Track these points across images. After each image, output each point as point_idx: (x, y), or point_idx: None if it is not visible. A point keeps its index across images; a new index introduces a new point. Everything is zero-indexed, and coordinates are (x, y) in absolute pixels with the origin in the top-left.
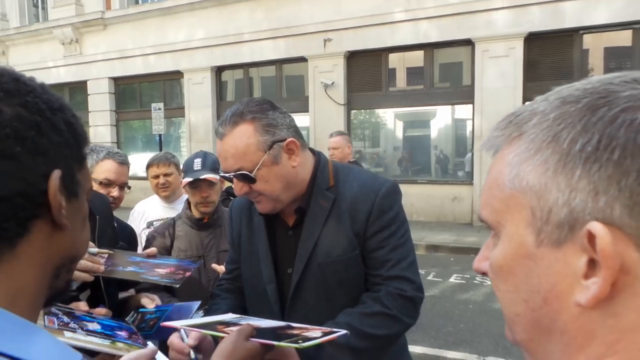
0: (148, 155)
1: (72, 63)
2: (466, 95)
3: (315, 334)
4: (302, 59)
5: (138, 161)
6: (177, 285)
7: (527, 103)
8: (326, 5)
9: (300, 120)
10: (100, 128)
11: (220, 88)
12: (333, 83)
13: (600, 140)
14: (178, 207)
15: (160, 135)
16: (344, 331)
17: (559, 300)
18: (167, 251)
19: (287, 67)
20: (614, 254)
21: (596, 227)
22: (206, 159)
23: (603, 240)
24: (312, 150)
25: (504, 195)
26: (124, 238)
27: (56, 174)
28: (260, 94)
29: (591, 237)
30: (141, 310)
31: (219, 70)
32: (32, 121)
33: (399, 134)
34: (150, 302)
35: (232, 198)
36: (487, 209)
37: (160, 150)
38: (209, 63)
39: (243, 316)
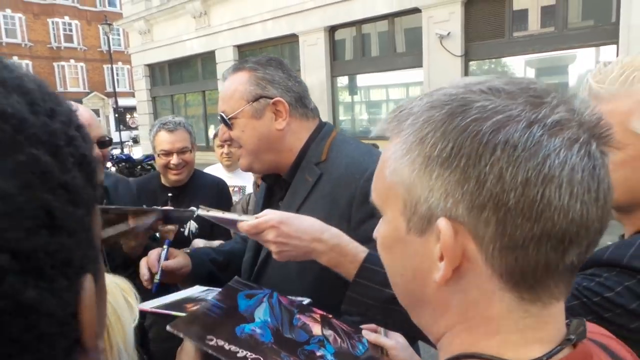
0: None
1: (202, 35)
2: (610, 34)
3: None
4: (416, 10)
5: None
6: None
7: (413, 98)
8: None
9: (414, 75)
10: None
11: (334, 48)
12: (449, 33)
13: (453, 147)
14: (244, 176)
15: None
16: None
17: (424, 277)
18: None
19: (400, 21)
20: (453, 246)
21: (442, 223)
22: None
23: (444, 236)
24: (321, 122)
25: (385, 184)
26: (212, 193)
27: (88, 289)
28: (376, 51)
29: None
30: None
31: (332, 30)
32: (37, 215)
33: None
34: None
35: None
36: (375, 193)
37: None
38: (322, 23)
39: (210, 288)
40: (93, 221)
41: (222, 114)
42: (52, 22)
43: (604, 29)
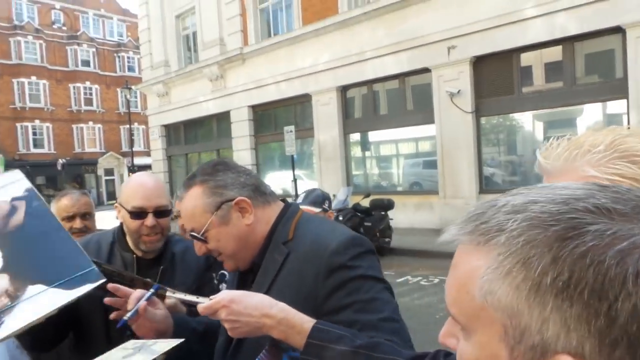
0: (284, 175)
1: (218, 96)
2: (618, 89)
3: None
4: (426, 70)
5: (274, 180)
6: None
7: (490, 202)
8: (448, 12)
9: (427, 131)
10: (241, 152)
11: (346, 106)
12: (459, 91)
13: (570, 277)
14: None
15: (292, 156)
16: None
17: None
18: None
19: (410, 80)
20: None
21: None
22: (310, 193)
23: None
24: (286, 203)
25: (474, 304)
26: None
27: None
28: (385, 109)
29: None
30: None
31: (344, 90)
32: None
33: (539, 136)
34: None
35: (358, 214)
36: (457, 309)
37: (293, 169)
38: (334, 84)
39: None
40: None
41: (193, 233)
42: (74, 87)
43: (611, 85)
